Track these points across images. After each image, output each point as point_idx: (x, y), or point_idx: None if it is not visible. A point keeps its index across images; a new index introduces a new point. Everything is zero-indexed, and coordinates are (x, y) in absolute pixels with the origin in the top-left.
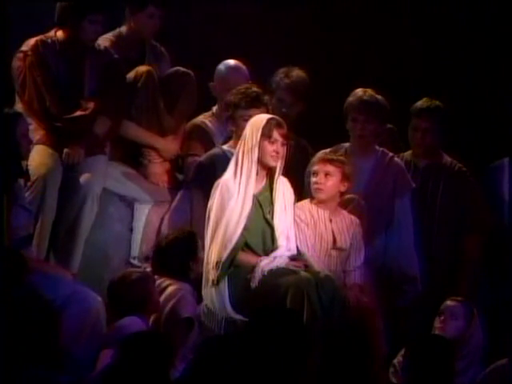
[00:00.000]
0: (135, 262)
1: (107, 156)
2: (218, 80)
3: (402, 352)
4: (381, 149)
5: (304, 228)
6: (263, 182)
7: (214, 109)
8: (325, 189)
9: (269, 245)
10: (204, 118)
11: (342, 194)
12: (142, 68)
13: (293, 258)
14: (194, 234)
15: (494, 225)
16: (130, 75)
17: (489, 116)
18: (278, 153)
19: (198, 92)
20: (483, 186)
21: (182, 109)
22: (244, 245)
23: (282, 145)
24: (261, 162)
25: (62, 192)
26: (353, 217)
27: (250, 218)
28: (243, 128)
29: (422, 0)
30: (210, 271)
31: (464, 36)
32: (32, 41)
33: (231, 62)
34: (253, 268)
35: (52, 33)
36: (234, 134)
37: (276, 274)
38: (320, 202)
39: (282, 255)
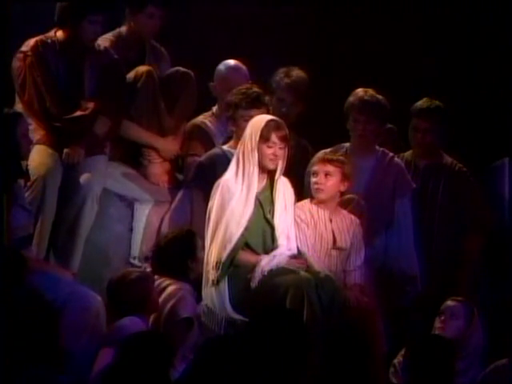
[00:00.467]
0: (135, 261)
1: (107, 156)
2: (218, 80)
3: (402, 352)
4: (381, 149)
5: (304, 228)
6: (264, 182)
7: (214, 109)
8: (325, 189)
9: (269, 244)
10: (204, 118)
11: (341, 193)
12: (142, 68)
13: (293, 258)
14: (193, 233)
15: (494, 225)
16: (130, 75)
17: (489, 116)
18: (276, 156)
19: (198, 92)
20: (483, 186)
21: (182, 109)
22: (244, 244)
23: (281, 147)
24: (260, 164)
25: (62, 192)
26: (353, 217)
27: (250, 218)
28: (244, 128)
29: (422, 0)
30: (210, 271)
31: (464, 36)
32: (32, 41)
33: (231, 62)
34: (253, 268)
35: (52, 33)
36: (234, 134)
37: (276, 274)
38: (320, 202)
39: (282, 254)
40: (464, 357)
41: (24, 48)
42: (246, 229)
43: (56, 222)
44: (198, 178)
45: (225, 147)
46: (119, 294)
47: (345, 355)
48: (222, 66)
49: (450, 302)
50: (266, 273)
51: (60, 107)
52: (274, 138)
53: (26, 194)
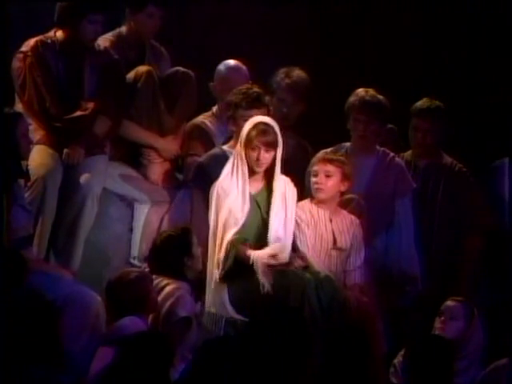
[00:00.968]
0: (135, 262)
1: (107, 156)
2: (218, 80)
3: (402, 352)
4: (382, 149)
5: (304, 228)
6: (262, 183)
7: (214, 109)
8: (325, 189)
9: (264, 245)
10: (204, 118)
11: (342, 193)
12: (142, 68)
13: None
14: (188, 230)
15: (494, 225)
16: (130, 75)
17: (489, 116)
18: (258, 160)
19: (198, 92)
20: (483, 186)
21: (182, 109)
22: (244, 241)
23: (267, 151)
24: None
25: (62, 192)
26: (353, 217)
27: (248, 218)
28: None
29: (423, 0)
30: (213, 271)
31: (464, 36)
32: (32, 41)
33: (231, 62)
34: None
35: (52, 33)
36: (234, 134)
37: (276, 274)
38: (320, 202)
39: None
40: (464, 357)
41: (24, 48)
42: (243, 226)
43: (56, 222)
44: (198, 178)
45: (225, 147)
46: (118, 294)
47: (345, 355)
48: (221, 66)
49: (449, 303)
50: (265, 260)
51: (60, 107)
52: (256, 142)
53: (26, 195)
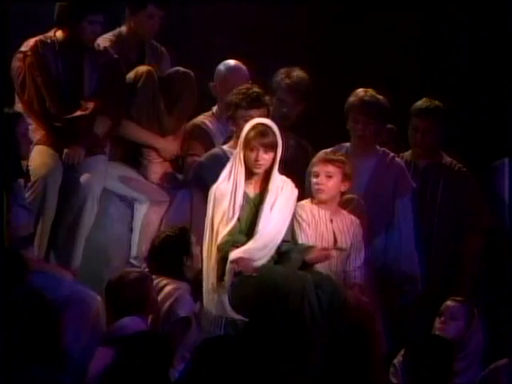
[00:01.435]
0: (135, 262)
1: (107, 156)
2: (218, 80)
3: (402, 352)
4: (382, 149)
5: (305, 228)
6: (260, 185)
7: (214, 109)
8: (326, 189)
9: None
10: (204, 118)
11: (342, 193)
12: (142, 68)
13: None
14: (186, 229)
15: (494, 225)
16: (130, 75)
17: (489, 116)
18: (257, 161)
19: (198, 92)
20: (483, 186)
21: (182, 109)
22: (234, 243)
23: (266, 152)
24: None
25: (62, 192)
26: (353, 217)
27: (245, 221)
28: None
29: (422, 0)
30: (210, 275)
31: (464, 36)
32: (31, 41)
33: (231, 62)
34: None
35: (51, 33)
36: (234, 134)
37: (275, 274)
38: (321, 203)
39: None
40: (464, 357)
41: (23, 48)
42: (241, 228)
43: (56, 222)
44: (197, 178)
45: (225, 147)
46: (118, 294)
47: (345, 355)
48: (222, 66)
49: (449, 303)
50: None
51: (60, 107)
52: (255, 143)
53: (27, 195)
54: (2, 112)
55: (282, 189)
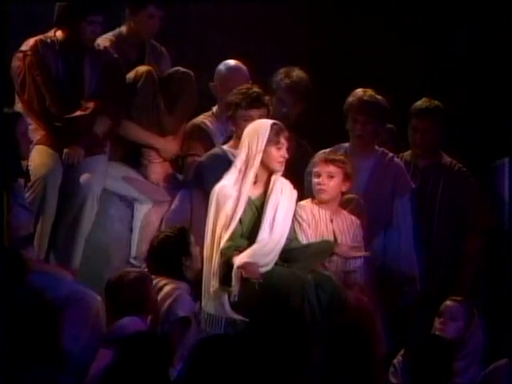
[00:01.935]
0: (135, 262)
1: (107, 156)
2: (218, 80)
3: (402, 352)
4: (381, 149)
5: (306, 228)
6: (263, 188)
7: (214, 109)
8: (328, 190)
9: None
10: (204, 118)
11: (342, 193)
12: (142, 68)
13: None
14: (185, 230)
15: (494, 225)
16: (130, 75)
17: (489, 116)
18: (284, 157)
19: (198, 92)
20: (483, 186)
21: (182, 109)
22: (236, 248)
23: (287, 149)
24: (265, 168)
25: (62, 192)
26: (353, 217)
27: (248, 224)
28: (244, 128)
29: (422, 1)
30: (209, 277)
31: (464, 36)
32: (31, 41)
33: (231, 62)
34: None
35: (51, 33)
36: (234, 134)
37: (275, 274)
38: (321, 203)
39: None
40: (464, 357)
41: (23, 47)
42: (244, 232)
43: (56, 222)
44: (197, 178)
45: (225, 147)
46: (117, 294)
47: (344, 355)
48: (222, 66)
49: (449, 303)
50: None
51: (60, 107)
52: (282, 139)
53: (27, 195)
54: (1, 112)
55: (282, 190)
